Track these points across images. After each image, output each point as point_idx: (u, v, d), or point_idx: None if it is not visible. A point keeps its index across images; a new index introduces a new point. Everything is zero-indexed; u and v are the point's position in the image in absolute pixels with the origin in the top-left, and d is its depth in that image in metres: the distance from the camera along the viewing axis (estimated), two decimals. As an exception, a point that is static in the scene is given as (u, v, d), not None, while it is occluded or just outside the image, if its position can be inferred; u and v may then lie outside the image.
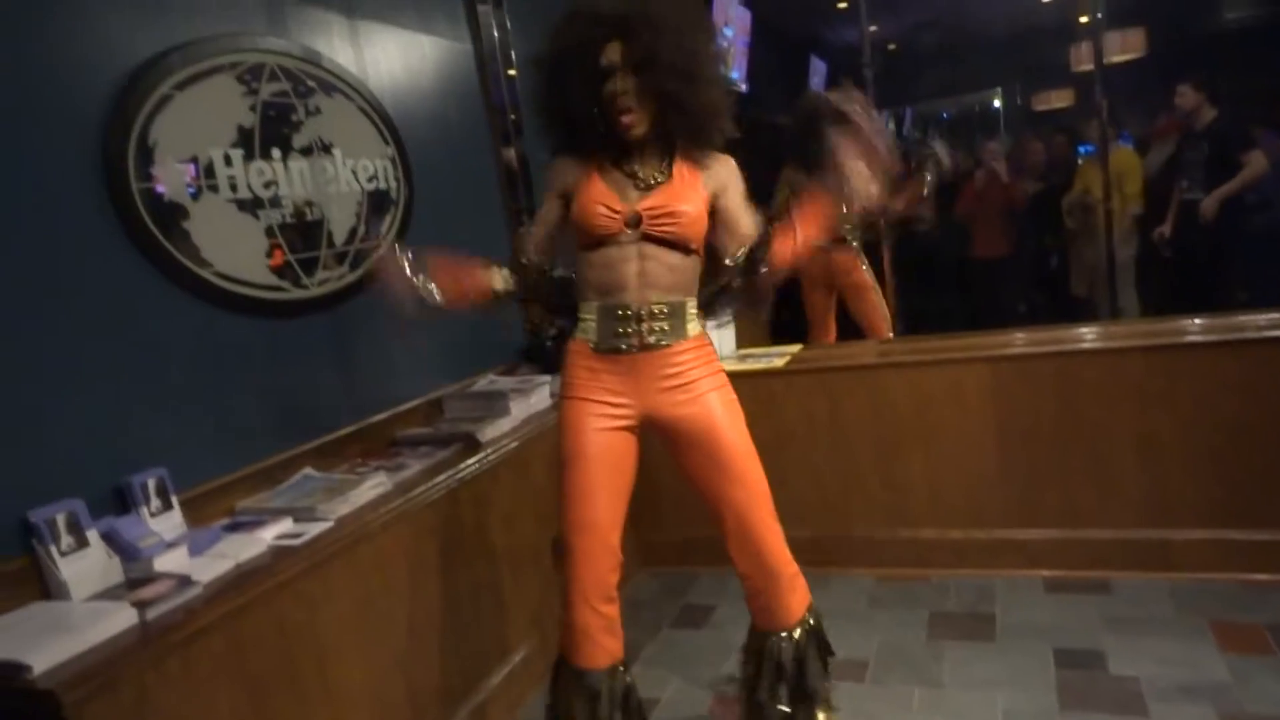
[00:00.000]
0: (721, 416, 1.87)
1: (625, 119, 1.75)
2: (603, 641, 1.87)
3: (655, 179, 1.82)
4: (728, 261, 1.88)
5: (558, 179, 1.90)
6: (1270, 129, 5.14)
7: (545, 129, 1.91)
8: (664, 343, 1.84)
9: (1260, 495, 2.55)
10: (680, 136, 1.82)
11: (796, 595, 1.94)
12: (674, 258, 1.83)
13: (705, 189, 1.85)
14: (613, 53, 1.72)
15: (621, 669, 1.92)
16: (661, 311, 1.83)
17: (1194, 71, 4.68)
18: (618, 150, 1.83)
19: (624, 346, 1.83)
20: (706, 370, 1.89)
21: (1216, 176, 4.57)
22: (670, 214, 1.80)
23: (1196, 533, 2.63)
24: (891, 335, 3.99)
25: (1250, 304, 4.31)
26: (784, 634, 1.93)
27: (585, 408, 1.86)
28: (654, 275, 1.82)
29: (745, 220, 1.88)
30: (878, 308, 3.98)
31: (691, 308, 1.88)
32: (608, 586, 1.85)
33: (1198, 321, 2.74)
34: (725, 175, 1.88)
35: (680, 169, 1.84)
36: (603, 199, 1.80)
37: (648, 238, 1.80)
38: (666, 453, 1.94)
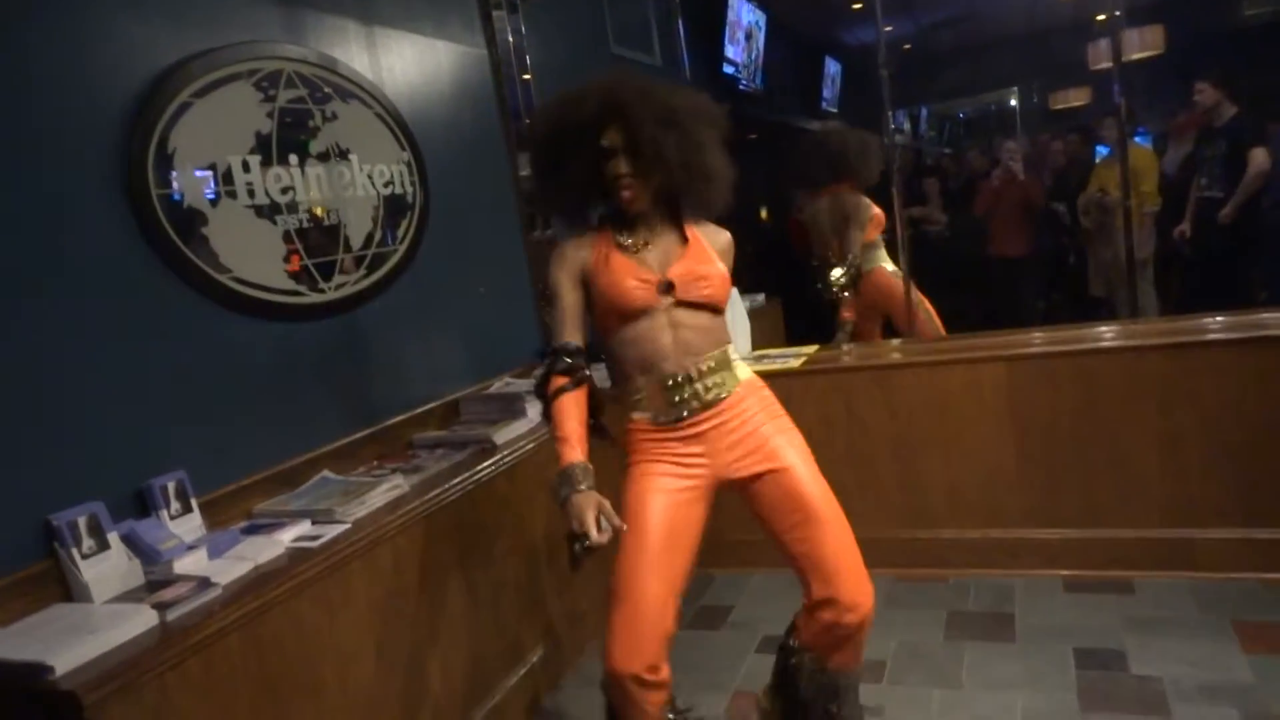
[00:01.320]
0: (800, 469, 1.83)
1: (626, 195, 1.77)
2: (647, 698, 1.74)
3: (669, 247, 1.84)
4: None
5: (569, 262, 1.84)
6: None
7: (546, 202, 1.91)
8: (723, 395, 1.82)
9: (1283, 494, 2.52)
10: (685, 204, 1.85)
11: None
12: (704, 319, 1.83)
13: (718, 254, 1.88)
14: (612, 135, 1.74)
15: (671, 713, 1.83)
16: (709, 368, 1.82)
17: (1213, 69, 4.64)
18: (623, 222, 1.84)
19: (685, 413, 1.81)
20: (768, 416, 1.87)
21: (1235, 173, 4.52)
22: (701, 277, 1.81)
23: (1219, 532, 2.60)
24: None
25: (1271, 302, 4.26)
26: (854, 672, 1.92)
27: (650, 472, 1.81)
28: (690, 340, 1.81)
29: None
30: (926, 323, 3.88)
31: (734, 353, 1.89)
32: (649, 656, 1.71)
33: (1219, 319, 2.71)
34: (726, 253, 1.90)
35: (691, 235, 1.86)
36: (630, 272, 1.79)
37: (679, 304, 1.80)
38: (749, 513, 1.88)
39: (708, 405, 1.81)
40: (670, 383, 1.80)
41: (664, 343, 1.80)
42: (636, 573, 1.73)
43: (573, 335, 1.84)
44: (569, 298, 1.85)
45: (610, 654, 1.72)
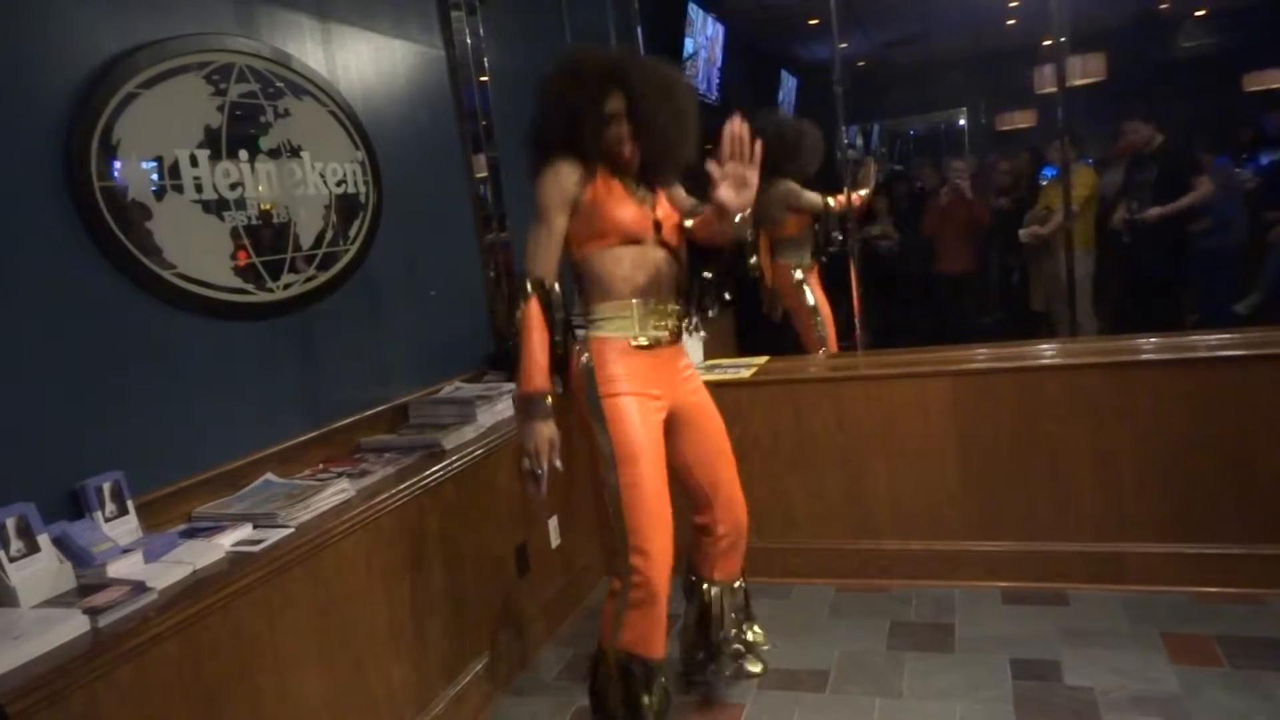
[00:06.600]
0: (712, 404, 2.23)
1: (627, 153, 1.99)
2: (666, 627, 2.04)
3: (647, 195, 2.07)
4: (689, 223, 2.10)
5: (562, 186, 1.97)
6: (1219, 155, 5.29)
7: (540, 145, 2.03)
8: (679, 339, 2.12)
9: (1210, 510, 2.61)
10: (655, 170, 2.08)
11: None
12: (675, 268, 2.09)
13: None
14: (616, 102, 1.96)
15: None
16: (676, 310, 2.10)
17: (1148, 99, 4.82)
18: (613, 166, 2.03)
19: (662, 339, 2.04)
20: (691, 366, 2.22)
21: (1164, 199, 4.69)
22: (677, 226, 2.09)
23: (1150, 546, 2.69)
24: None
25: (1201, 324, 4.43)
26: (742, 579, 2.33)
27: (637, 402, 1.99)
28: (668, 278, 2.07)
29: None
30: (810, 330, 4.04)
31: None
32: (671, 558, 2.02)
33: (1152, 340, 2.80)
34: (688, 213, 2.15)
35: (659, 191, 2.12)
36: (631, 201, 2.01)
37: (660, 244, 2.05)
38: (668, 436, 2.10)
39: (673, 341, 2.09)
40: (657, 308, 2.04)
41: (656, 273, 2.03)
42: (658, 494, 1.96)
43: (551, 272, 1.97)
44: (558, 223, 1.97)
45: (658, 577, 1.94)
